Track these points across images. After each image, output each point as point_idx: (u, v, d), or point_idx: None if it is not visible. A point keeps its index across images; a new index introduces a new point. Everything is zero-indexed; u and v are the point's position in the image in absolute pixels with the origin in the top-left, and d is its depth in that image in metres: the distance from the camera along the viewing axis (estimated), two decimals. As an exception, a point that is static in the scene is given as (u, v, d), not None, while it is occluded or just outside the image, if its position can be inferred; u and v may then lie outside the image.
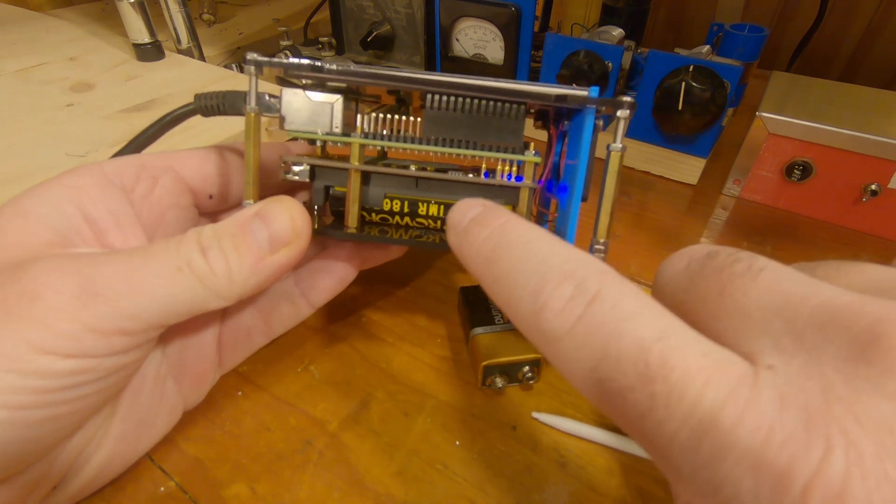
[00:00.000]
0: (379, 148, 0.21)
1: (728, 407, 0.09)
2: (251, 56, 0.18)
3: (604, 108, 0.18)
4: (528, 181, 0.20)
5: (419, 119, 0.20)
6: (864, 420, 0.08)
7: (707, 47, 0.39)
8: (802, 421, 0.09)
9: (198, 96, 0.21)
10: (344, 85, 0.20)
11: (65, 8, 0.56)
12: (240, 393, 0.23)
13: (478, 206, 0.15)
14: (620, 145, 0.19)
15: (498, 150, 0.20)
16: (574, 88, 0.18)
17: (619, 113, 0.18)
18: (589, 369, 0.11)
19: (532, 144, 0.20)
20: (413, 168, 0.20)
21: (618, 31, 0.41)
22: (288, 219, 0.17)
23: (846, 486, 0.08)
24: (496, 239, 0.14)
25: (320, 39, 0.45)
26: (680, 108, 0.34)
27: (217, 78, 0.40)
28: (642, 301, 0.11)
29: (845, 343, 0.09)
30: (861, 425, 0.08)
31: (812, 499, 0.08)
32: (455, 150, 0.20)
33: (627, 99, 0.18)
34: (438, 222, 0.22)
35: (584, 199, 0.19)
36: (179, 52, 0.45)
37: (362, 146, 0.20)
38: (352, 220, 0.20)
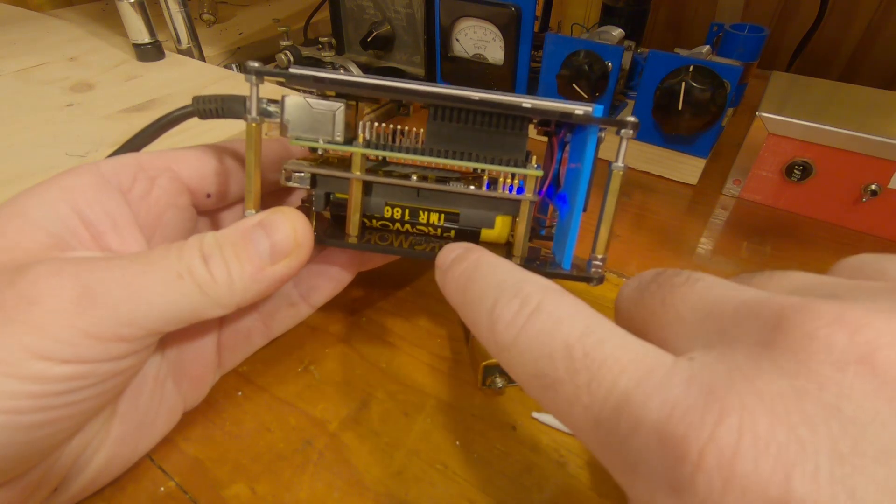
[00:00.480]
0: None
1: (640, 388, 0.10)
2: (251, 65, 0.18)
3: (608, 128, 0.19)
4: (528, 194, 0.20)
5: (422, 130, 0.20)
6: (763, 392, 0.09)
7: (707, 47, 0.39)
8: (703, 395, 0.09)
9: (196, 99, 0.21)
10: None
11: (65, 8, 0.56)
12: (240, 393, 0.23)
13: (459, 248, 0.17)
14: (622, 164, 0.19)
15: (500, 163, 0.20)
16: (579, 105, 0.19)
17: (622, 133, 0.18)
18: (532, 370, 0.13)
19: (534, 158, 0.20)
20: (415, 178, 0.20)
21: (618, 31, 0.41)
22: (290, 230, 0.17)
23: (738, 448, 0.09)
24: (469, 271, 0.16)
25: (320, 39, 0.45)
26: (680, 108, 0.34)
27: (217, 78, 0.40)
28: (576, 308, 0.13)
29: (756, 331, 0.10)
30: (759, 397, 0.09)
31: (706, 462, 0.09)
32: (457, 163, 0.20)
33: (631, 119, 0.18)
34: (439, 230, 0.22)
35: (584, 209, 0.19)
36: (179, 52, 0.45)
37: (364, 155, 0.20)
38: (353, 228, 0.20)
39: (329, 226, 0.22)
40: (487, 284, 0.15)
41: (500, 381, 0.22)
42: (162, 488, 0.19)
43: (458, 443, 0.21)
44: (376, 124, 0.20)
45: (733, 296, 0.11)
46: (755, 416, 0.09)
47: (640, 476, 0.10)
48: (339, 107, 0.19)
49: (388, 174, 0.20)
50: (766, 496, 0.08)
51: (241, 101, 0.20)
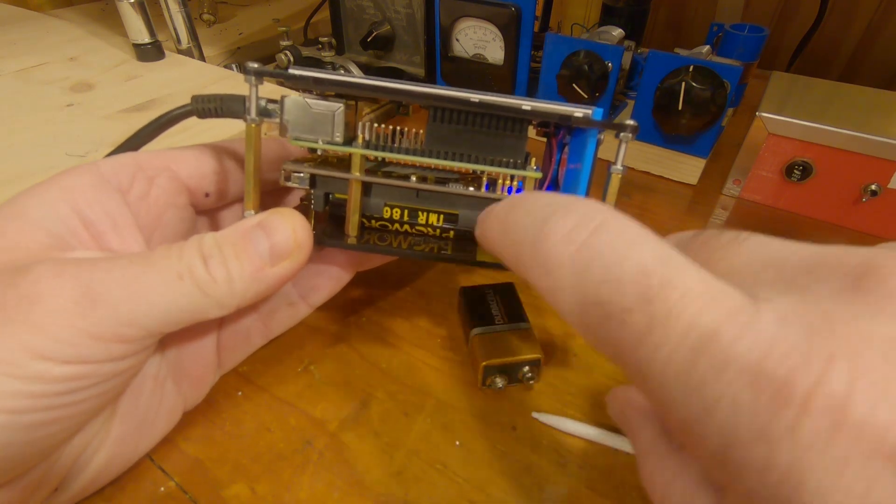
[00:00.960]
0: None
1: (727, 324, 0.09)
2: (251, 66, 0.18)
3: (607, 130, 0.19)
4: None
5: (421, 131, 0.20)
6: (869, 338, 0.08)
7: (707, 47, 0.39)
8: (805, 336, 0.09)
9: (195, 98, 0.21)
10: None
11: (65, 8, 0.56)
12: (240, 393, 0.23)
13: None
14: (621, 167, 0.19)
15: (500, 165, 0.20)
16: (578, 107, 0.19)
17: (621, 136, 0.18)
18: (592, 296, 0.11)
19: (533, 159, 0.20)
20: (414, 179, 0.20)
21: (618, 31, 0.41)
22: (290, 230, 0.17)
23: (850, 395, 0.08)
24: (512, 203, 0.15)
25: (320, 39, 0.45)
26: (680, 108, 0.34)
27: (217, 78, 0.40)
28: (645, 232, 0.12)
29: (838, 279, 0.10)
30: (866, 342, 0.08)
31: (814, 408, 0.08)
32: (457, 164, 0.20)
33: (630, 123, 0.18)
34: (438, 230, 0.22)
35: None
36: (179, 52, 0.45)
37: (363, 155, 0.20)
38: (352, 228, 0.20)
39: (328, 226, 0.22)
40: (537, 204, 0.13)
41: (500, 381, 0.22)
42: (162, 488, 0.19)
43: (458, 443, 0.21)
44: (376, 125, 0.20)
45: (796, 249, 0.11)
46: (867, 359, 0.08)
47: (717, 421, 0.09)
48: (338, 107, 0.19)
49: (388, 175, 0.20)
50: (884, 443, 0.08)
51: (241, 100, 0.20)
